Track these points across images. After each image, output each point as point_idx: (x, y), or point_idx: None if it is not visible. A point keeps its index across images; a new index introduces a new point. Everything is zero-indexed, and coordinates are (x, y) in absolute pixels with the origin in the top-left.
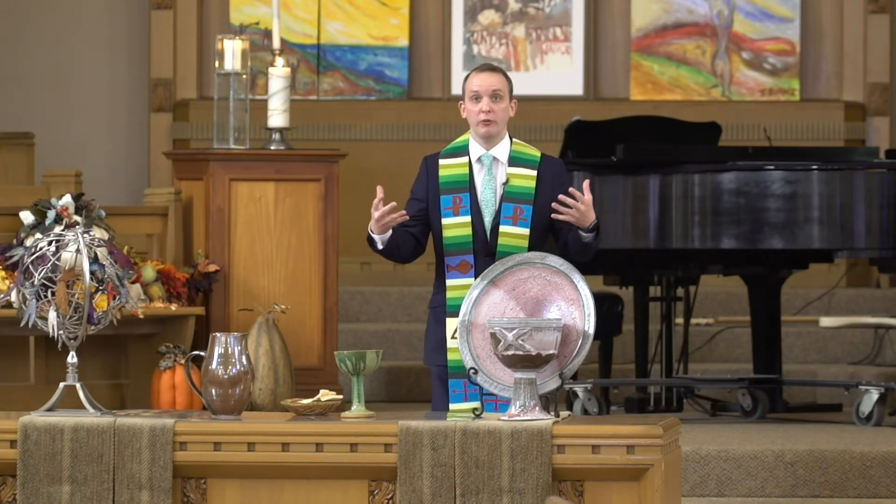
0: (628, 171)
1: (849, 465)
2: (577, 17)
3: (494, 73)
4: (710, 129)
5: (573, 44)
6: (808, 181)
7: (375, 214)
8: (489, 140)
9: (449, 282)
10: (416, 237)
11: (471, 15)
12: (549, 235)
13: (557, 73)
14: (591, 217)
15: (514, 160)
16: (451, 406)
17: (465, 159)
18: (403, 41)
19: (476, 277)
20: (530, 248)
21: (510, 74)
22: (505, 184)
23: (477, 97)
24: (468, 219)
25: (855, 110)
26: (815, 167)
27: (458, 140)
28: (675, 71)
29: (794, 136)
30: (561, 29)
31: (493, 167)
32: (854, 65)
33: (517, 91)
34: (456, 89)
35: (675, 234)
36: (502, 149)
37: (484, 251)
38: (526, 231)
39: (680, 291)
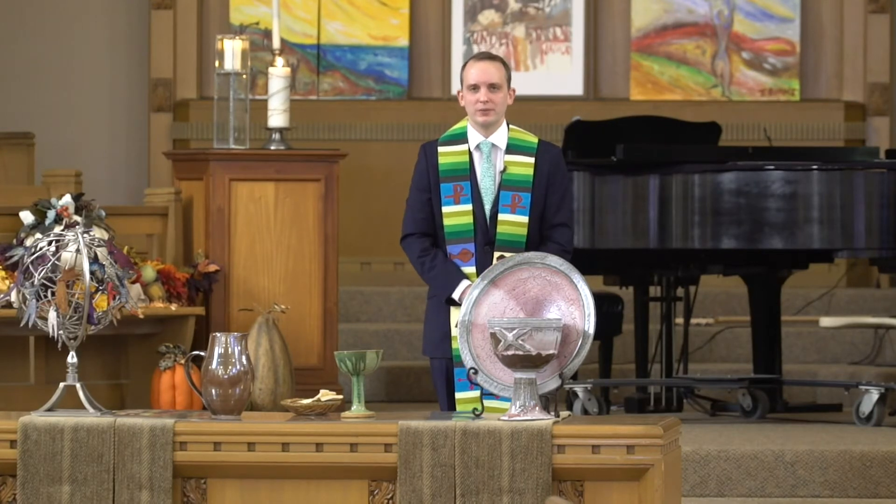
0: (628, 171)
1: (849, 465)
2: (577, 17)
3: (492, 61)
4: (710, 129)
5: (573, 44)
6: (808, 181)
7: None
8: (487, 127)
9: None
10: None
11: (471, 15)
12: None
13: (557, 73)
14: None
15: (511, 147)
16: (458, 395)
17: (464, 147)
18: (403, 41)
19: (476, 266)
20: (529, 237)
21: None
22: (503, 171)
23: (475, 87)
24: (469, 207)
25: (855, 110)
26: (815, 167)
27: (455, 127)
28: (675, 71)
29: (794, 136)
30: (561, 29)
31: (491, 154)
32: (854, 65)
33: (517, 91)
34: (456, 89)
35: (675, 234)
36: (500, 136)
37: (484, 239)
38: (524, 219)
39: (680, 291)
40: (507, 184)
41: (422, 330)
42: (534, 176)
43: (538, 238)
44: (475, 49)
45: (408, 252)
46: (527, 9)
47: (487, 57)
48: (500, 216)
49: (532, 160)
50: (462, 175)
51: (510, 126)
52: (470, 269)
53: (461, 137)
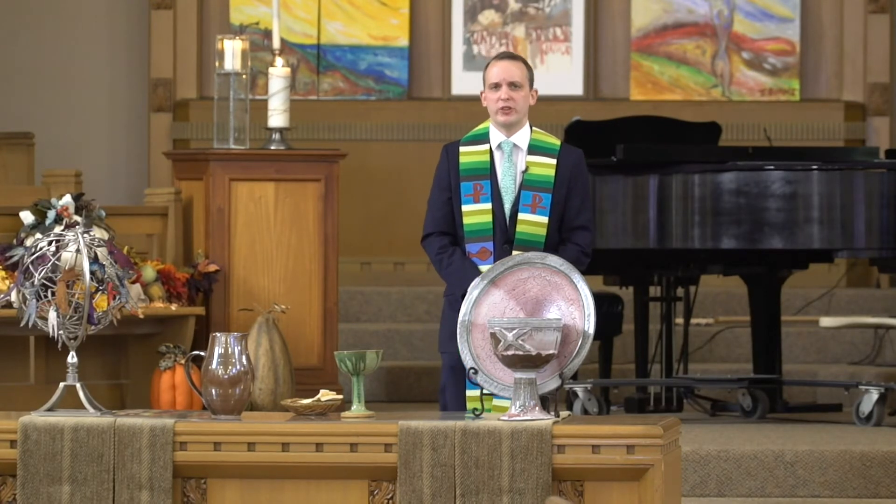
0: (628, 171)
1: (849, 465)
2: (577, 17)
3: (514, 61)
4: (710, 129)
5: (573, 44)
6: (808, 181)
7: None
8: (509, 128)
9: None
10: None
11: (471, 15)
12: None
13: (557, 73)
14: None
15: (533, 148)
16: (468, 393)
17: (485, 146)
18: (403, 41)
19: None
20: (548, 237)
21: None
22: (524, 172)
23: (496, 86)
24: (489, 206)
25: (855, 110)
26: (815, 167)
27: (478, 128)
28: (675, 71)
29: (794, 136)
30: (561, 29)
31: (513, 154)
32: (854, 65)
33: None
34: (456, 89)
35: (675, 234)
36: (522, 136)
37: (503, 238)
38: (544, 219)
39: (680, 291)
40: (528, 184)
41: (422, 330)
42: (555, 177)
43: (557, 238)
44: (475, 49)
45: (427, 251)
46: (527, 9)
47: (509, 56)
48: (521, 216)
49: (554, 161)
50: (482, 174)
51: (533, 128)
52: (488, 268)
53: (483, 138)
